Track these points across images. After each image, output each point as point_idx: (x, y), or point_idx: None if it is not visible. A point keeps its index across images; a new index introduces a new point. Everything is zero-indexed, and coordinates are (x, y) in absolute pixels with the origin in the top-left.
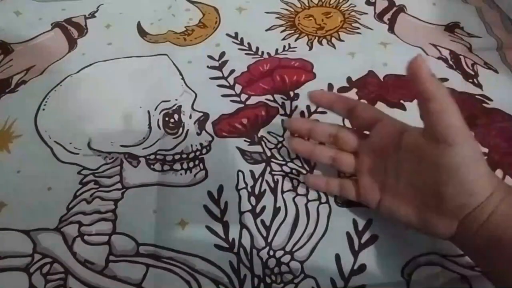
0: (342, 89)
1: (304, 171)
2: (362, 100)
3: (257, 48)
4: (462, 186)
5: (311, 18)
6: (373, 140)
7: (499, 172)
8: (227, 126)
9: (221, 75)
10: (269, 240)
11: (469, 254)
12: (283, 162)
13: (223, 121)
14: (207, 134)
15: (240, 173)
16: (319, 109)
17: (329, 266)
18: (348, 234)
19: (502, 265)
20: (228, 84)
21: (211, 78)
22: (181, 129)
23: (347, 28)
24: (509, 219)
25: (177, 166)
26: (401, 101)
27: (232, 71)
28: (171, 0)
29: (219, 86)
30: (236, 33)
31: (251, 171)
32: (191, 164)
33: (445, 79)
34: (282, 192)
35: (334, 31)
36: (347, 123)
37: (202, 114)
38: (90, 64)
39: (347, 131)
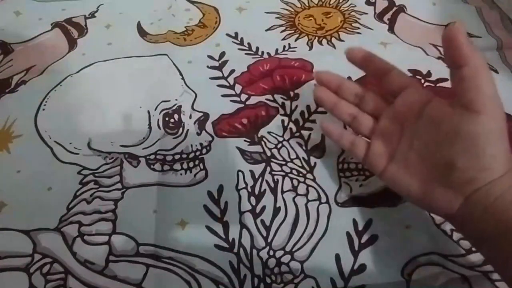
0: None
1: (304, 171)
2: (396, 68)
3: (257, 48)
4: (477, 159)
5: (311, 18)
6: (397, 106)
7: None
8: (227, 126)
9: (221, 75)
10: (269, 240)
11: (468, 237)
12: (283, 162)
13: (223, 121)
14: (207, 134)
15: (240, 173)
16: (320, 109)
17: (329, 266)
18: (348, 234)
19: (506, 253)
20: (228, 84)
21: (211, 78)
22: (181, 129)
23: (347, 28)
24: None
25: (177, 166)
26: None
27: (232, 71)
28: (171, 0)
29: (219, 86)
30: (236, 33)
31: (251, 171)
32: (191, 164)
33: (445, 79)
34: (282, 192)
35: (334, 31)
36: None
37: (202, 114)
38: (90, 64)
39: (373, 94)
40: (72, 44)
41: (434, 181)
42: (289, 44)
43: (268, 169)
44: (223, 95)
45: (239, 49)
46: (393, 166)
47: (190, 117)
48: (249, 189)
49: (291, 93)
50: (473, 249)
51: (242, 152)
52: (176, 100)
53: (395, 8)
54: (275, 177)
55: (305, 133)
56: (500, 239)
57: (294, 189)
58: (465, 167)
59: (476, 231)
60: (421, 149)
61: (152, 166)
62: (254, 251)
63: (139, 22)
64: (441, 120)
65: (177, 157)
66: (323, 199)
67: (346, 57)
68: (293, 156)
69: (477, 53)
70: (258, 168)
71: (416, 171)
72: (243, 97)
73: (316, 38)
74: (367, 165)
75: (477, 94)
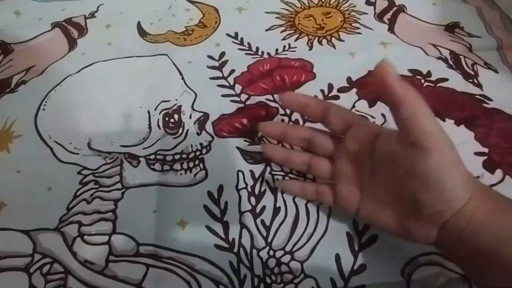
0: (342, 89)
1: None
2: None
3: (257, 48)
4: (438, 193)
5: (311, 18)
6: (348, 145)
7: (499, 172)
8: (227, 126)
9: (221, 75)
10: (269, 240)
11: (453, 261)
12: None
13: (223, 121)
14: (207, 134)
15: (240, 173)
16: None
17: (329, 266)
18: (348, 234)
19: (484, 273)
20: (228, 84)
21: (211, 78)
22: (181, 129)
23: (347, 28)
24: (487, 225)
25: (177, 166)
26: None
27: (232, 71)
28: (171, 0)
29: (219, 86)
30: (236, 33)
31: (251, 171)
32: (191, 164)
33: (445, 79)
34: (282, 192)
35: (334, 31)
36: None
37: (202, 114)
38: (90, 64)
39: (321, 135)
40: (72, 44)
41: (406, 216)
42: (289, 44)
43: (268, 169)
44: (223, 95)
45: (239, 49)
46: (365, 205)
47: (190, 117)
48: (249, 189)
49: None
50: None
51: (242, 152)
52: (176, 100)
53: (395, 8)
54: (275, 177)
55: None
56: (474, 260)
57: None
58: (429, 202)
59: (455, 254)
60: (385, 185)
61: (152, 166)
62: (254, 251)
63: (139, 22)
64: (394, 157)
65: (177, 157)
66: None
67: (280, 104)
68: None
69: (411, 91)
70: (258, 168)
71: (388, 206)
72: (243, 97)
73: (316, 38)
74: (340, 209)
75: (420, 132)
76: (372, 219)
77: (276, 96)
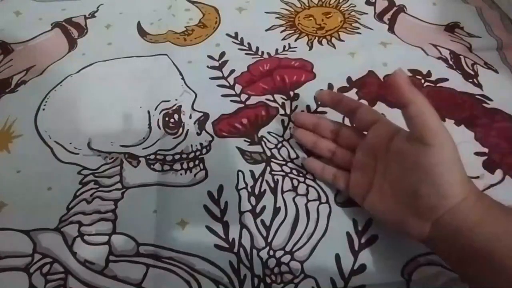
0: (342, 89)
1: (304, 171)
2: (362, 101)
3: (257, 48)
4: (435, 188)
5: (311, 18)
6: (369, 140)
7: (499, 172)
8: (227, 126)
9: (221, 75)
10: (269, 240)
11: (444, 259)
12: (283, 162)
13: (223, 121)
14: (207, 134)
15: (240, 173)
16: (319, 109)
17: (329, 266)
18: (348, 234)
19: (476, 274)
20: (228, 84)
21: (211, 78)
22: (181, 129)
23: (347, 28)
24: (480, 226)
25: (177, 166)
26: None
27: (232, 71)
28: (171, 0)
29: (219, 86)
30: (236, 33)
31: (251, 171)
32: (191, 164)
33: (445, 79)
34: (282, 192)
35: (334, 31)
36: (347, 122)
37: (202, 114)
38: (90, 64)
39: (348, 130)
40: (72, 44)
41: (405, 209)
42: (289, 44)
43: (268, 169)
44: (223, 95)
45: (239, 49)
46: (371, 195)
47: (190, 117)
48: (249, 189)
49: (291, 93)
50: None
51: (242, 152)
52: (176, 100)
53: (395, 8)
54: (275, 177)
55: None
56: (467, 261)
57: (294, 189)
58: (426, 195)
59: (445, 254)
60: (392, 178)
61: (152, 166)
62: (254, 251)
63: (139, 22)
64: (405, 152)
65: (177, 157)
66: (323, 199)
67: (316, 99)
68: (293, 156)
69: (418, 94)
70: (258, 168)
71: (390, 199)
72: (243, 97)
73: (316, 38)
74: (350, 194)
75: (424, 129)
76: (375, 209)
77: (276, 96)
